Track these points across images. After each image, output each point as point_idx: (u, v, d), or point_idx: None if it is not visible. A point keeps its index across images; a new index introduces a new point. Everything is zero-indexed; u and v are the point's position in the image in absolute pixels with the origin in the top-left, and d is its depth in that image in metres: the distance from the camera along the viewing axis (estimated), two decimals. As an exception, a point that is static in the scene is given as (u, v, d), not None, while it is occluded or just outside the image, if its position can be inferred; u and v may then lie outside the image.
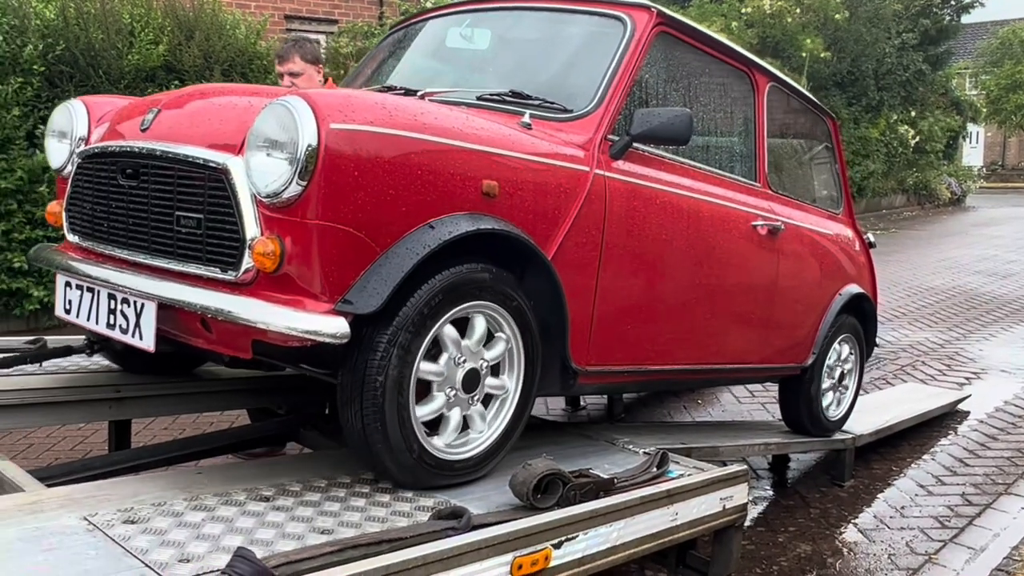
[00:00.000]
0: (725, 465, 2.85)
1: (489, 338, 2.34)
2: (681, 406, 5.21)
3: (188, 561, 1.70)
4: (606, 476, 2.35)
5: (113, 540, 1.75)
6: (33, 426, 3.79)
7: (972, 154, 34.13)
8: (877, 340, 6.99)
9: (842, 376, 4.17)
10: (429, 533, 1.91)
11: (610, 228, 2.62)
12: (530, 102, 2.66)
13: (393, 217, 2.06)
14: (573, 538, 2.09)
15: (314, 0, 10.95)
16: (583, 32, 2.97)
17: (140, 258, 2.28)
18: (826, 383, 4.03)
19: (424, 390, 2.22)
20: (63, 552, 1.69)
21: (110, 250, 2.40)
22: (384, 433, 2.09)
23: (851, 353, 4.22)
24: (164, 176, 2.20)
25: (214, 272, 2.09)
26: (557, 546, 2.05)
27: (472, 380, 2.30)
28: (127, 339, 2.26)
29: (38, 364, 3.01)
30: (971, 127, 26.68)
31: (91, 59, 6.42)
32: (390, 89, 2.92)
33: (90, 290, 2.38)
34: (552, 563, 2.04)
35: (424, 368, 2.17)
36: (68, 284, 2.47)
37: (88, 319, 2.39)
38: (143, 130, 2.33)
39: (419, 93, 2.75)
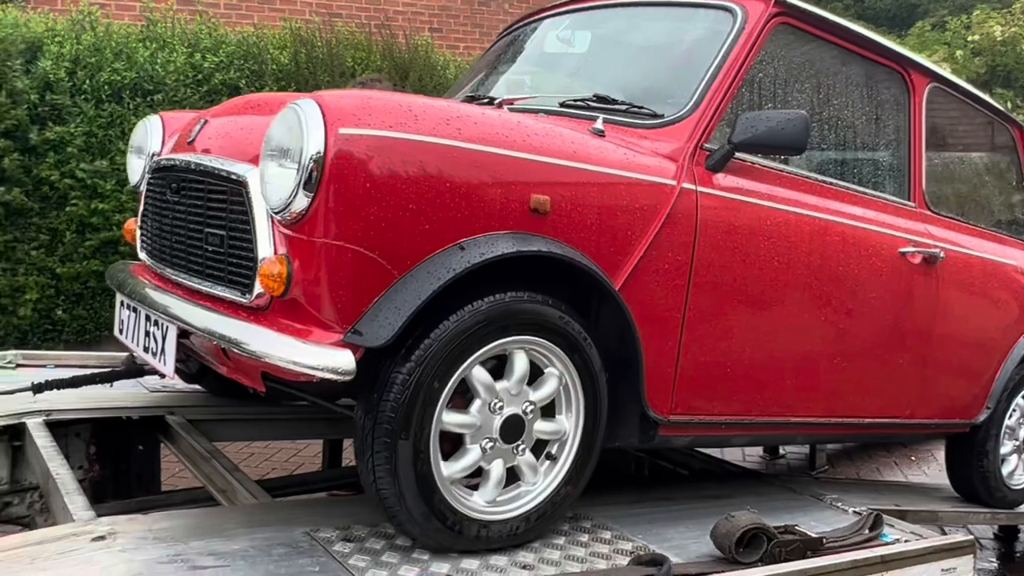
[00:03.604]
0: (945, 532, 2.63)
1: (535, 377, 2.03)
2: (892, 462, 4.87)
3: (399, 583, 1.78)
4: (814, 535, 2.24)
5: (333, 557, 1.87)
6: (258, 439, 4.11)
7: None
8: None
9: None
10: (629, 579, 1.89)
11: (702, 252, 2.27)
12: (616, 107, 2.40)
13: (414, 236, 1.82)
14: (778, 598, 2.01)
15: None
16: (688, 28, 2.68)
17: (181, 278, 2.20)
18: (1007, 444, 3.46)
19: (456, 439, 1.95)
20: (289, 564, 1.82)
21: (161, 269, 2.32)
22: (396, 484, 1.82)
23: None
24: (198, 190, 2.11)
25: (235, 295, 1.96)
26: (761, 605, 1.98)
27: (515, 428, 1.99)
28: (155, 363, 2.15)
29: (109, 384, 2.94)
30: None
31: (319, 100, 6.98)
32: (473, 99, 2.77)
33: (135, 311, 2.30)
34: (754, 622, 1.97)
35: (450, 416, 1.90)
36: (123, 303, 2.41)
37: (132, 340, 2.30)
38: (189, 143, 2.25)
39: (497, 101, 2.58)
